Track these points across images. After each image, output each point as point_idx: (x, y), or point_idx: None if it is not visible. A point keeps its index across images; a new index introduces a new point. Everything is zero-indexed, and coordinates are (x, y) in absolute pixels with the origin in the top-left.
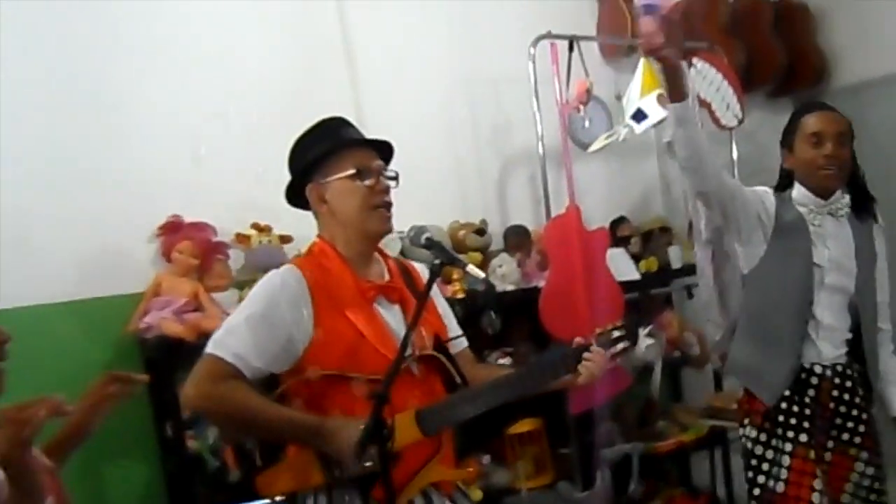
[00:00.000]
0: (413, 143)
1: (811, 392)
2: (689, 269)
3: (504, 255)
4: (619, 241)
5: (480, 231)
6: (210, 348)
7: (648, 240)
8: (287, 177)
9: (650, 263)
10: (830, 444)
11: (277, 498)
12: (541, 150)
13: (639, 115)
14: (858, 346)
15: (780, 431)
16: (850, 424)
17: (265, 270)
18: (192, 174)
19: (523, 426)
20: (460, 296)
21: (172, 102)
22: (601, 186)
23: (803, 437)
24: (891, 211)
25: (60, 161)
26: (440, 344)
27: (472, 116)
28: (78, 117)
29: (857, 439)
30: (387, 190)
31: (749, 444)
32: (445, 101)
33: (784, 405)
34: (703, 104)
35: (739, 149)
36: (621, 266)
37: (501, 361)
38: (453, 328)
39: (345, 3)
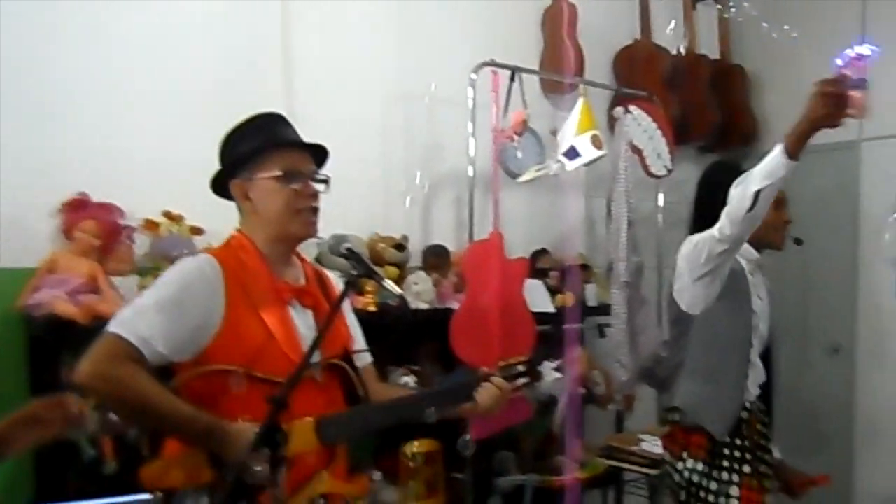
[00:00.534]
0: (342, 151)
1: (744, 427)
2: (604, 309)
3: (421, 273)
4: (538, 272)
5: (400, 246)
6: (113, 327)
7: (567, 275)
8: (206, 170)
9: (566, 298)
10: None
11: (157, 494)
12: (471, 174)
13: (571, 153)
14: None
15: (726, 464)
16: (766, 458)
17: (171, 260)
18: (105, 155)
19: (421, 447)
20: (372, 309)
21: (97, 82)
22: (527, 217)
23: (747, 469)
24: (810, 271)
25: None
26: (347, 355)
27: (405, 132)
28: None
29: (769, 472)
30: (314, 195)
31: (695, 477)
32: (381, 113)
33: (728, 439)
34: (636, 150)
35: (666, 197)
36: (537, 298)
37: (406, 379)
38: (359, 342)
39: (290, 4)
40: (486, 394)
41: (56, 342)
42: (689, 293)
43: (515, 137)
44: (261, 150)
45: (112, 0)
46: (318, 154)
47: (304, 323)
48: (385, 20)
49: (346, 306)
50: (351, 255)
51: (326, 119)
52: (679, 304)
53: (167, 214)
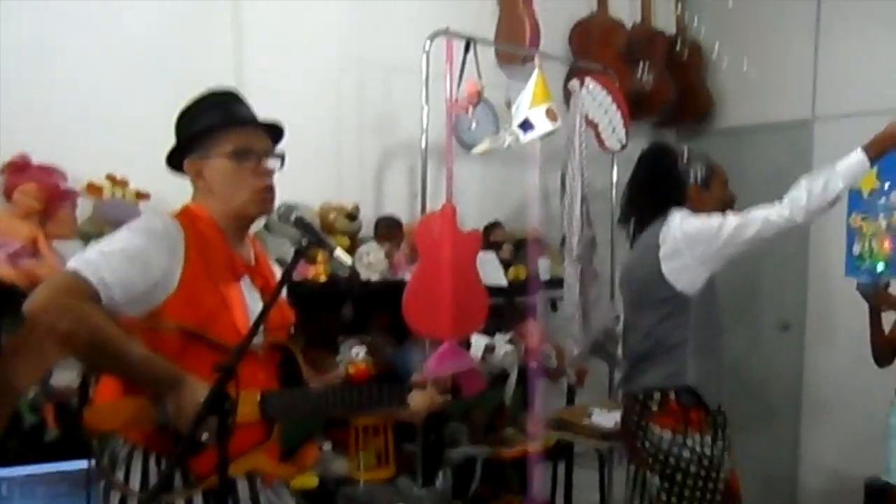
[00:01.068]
0: (293, 118)
1: None
2: (557, 282)
3: (373, 244)
4: (491, 245)
5: (352, 216)
6: (74, 264)
7: (520, 248)
8: (152, 134)
9: (519, 271)
10: None
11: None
12: (424, 144)
13: (526, 125)
14: None
15: (719, 433)
16: None
17: (115, 224)
18: (48, 116)
19: (370, 419)
20: (323, 278)
21: (41, 42)
22: (480, 189)
23: (729, 433)
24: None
25: None
26: (290, 337)
27: (358, 100)
28: None
29: None
30: (268, 173)
31: (707, 450)
32: (333, 80)
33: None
34: (590, 124)
35: (619, 172)
36: (490, 270)
37: (356, 349)
38: None
39: None
40: (419, 400)
41: None
42: (692, 273)
43: (470, 108)
44: (215, 128)
45: None
46: (274, 131)
47: (253, 301)
48: None
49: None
50: (301, 223)
51: (278, 85)
52: (672, 283)
53: (111, 178)
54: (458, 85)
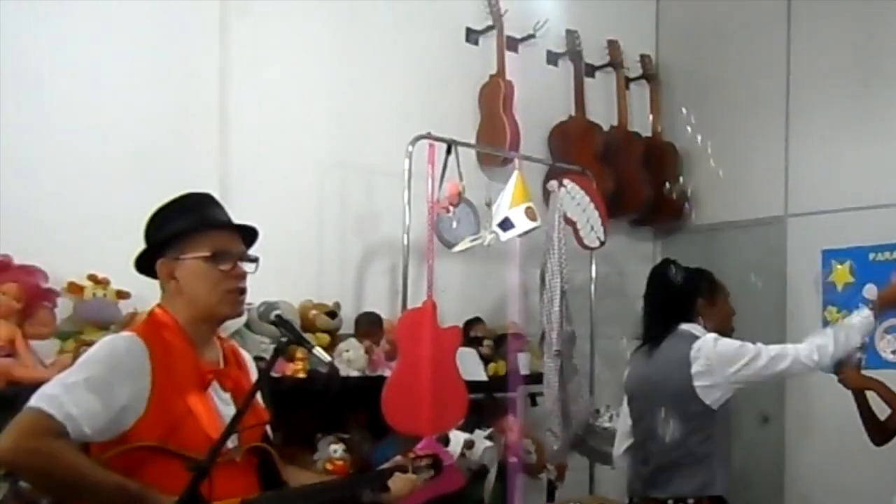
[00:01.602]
0: (276, 217)
1: None
2: (536, 378)
3: (352, 341)
4: (471, 340)
5: (332, 313)
6: (38, 402)
7: (500, 344)
8: (134, 233)
9: (499, 367)
10: None
11: None
12: (405, 242)
13: (506, 224)
14: None
15: None
16: None
17: (95, 324)
18: (30, 216)
19: None
20: (302, 375)
21: (22, 142)
22: (461, 286)
23: None
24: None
25: None
26: (266, 437)
27: (341, 200)
28: None
29: None
30: (242, 276)
31: None
32: (317, 180)
33: None
34: (569, 222)
35: (598, 269)
36: (470, 366)
37: (334, 447)
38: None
39: (228, 70)
40: (399, 483)
41: None
42: (721, 391)
43: (451, 208)
44: (191, 230)
45: (39, 57)
46: (248, 234)
47: (224, 406)
48: (322, 91)
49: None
50: (280, 322)
51: (261, 185)
52: (703, 399)
53: (92, 278)
54: (440, 185)
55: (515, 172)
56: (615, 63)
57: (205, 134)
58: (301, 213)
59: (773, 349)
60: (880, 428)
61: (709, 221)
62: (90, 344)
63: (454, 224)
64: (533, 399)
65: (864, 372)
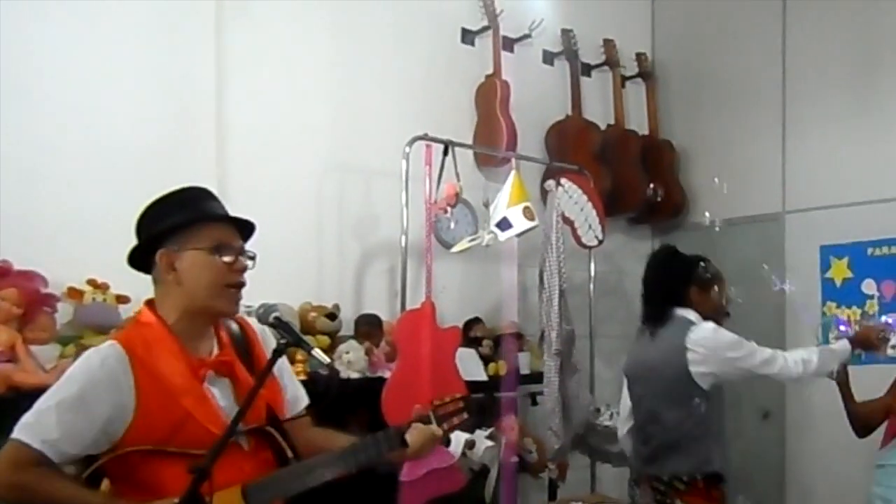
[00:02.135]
0: (274, 220)
1: None
2: (536, 377)
3: (352, 342)
4: (471, 341)
5: (332, 315)
6: (16, 433)
7: (500, 344)
8: (133, 238)
9: (499, 367)
10: None
11: None
12: (404, 244)
13: (504, 224)
14: None
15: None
16: None
17: (95, 328)
18: (30, 222)
19: None
20: (302, 377)
21: (21, 148)
22: (459, 286)
23: None
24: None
25: None
26: (273, 417)
27: (339, 202)
28: None
29: None
30: (243, 269)
31: None
32: (315, 182)
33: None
34: (567, 222)
35: (597, 267)
36: (470, 366)
37: None
38: (294, 391)
39: (225, 72)
40: (417, 435)
41: None
42: (715, 378)
43: (449, 209)
44: (193, 222)
45: (42, 67)
46: (245, 230)
47: (221, 393)
48: (320, 93)
49: (282, 366)
50: (279, 324)
51: (259, 188)
52: (699, 383)
53: (92, 283)
54: (438, 186)
55: (513, 172)
56: (611, 62)
57: (202, 137)
58: (299, 215)
59: (766, 352)
60: (861, 418)
61: (706, 219)
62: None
63: (452, 225)
64: (533, 398)
65: (866, 367)
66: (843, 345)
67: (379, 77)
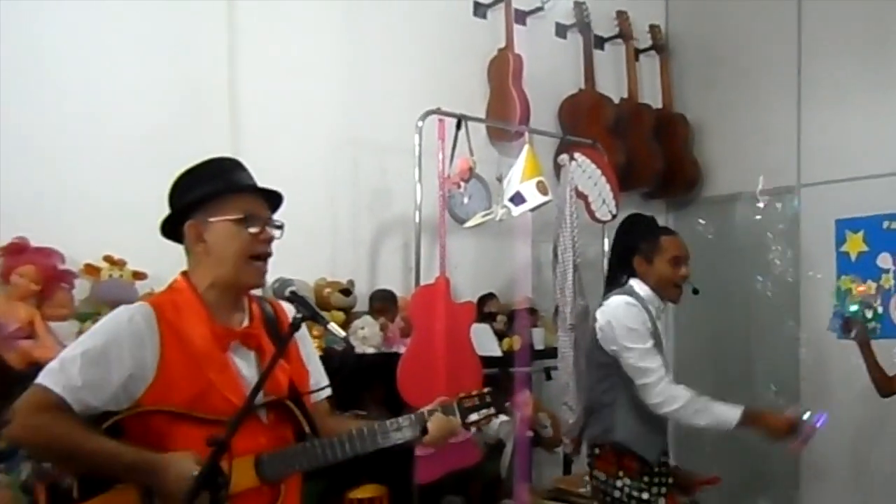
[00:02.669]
0: (289, 196)
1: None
2: (551, 352)
3: (367, 318)
4: (485, 316)
5: (346, 291)
6: (40, 378)
7: (514, 319)
8: (148, 213)
9: (513, 342)
10: None
11: None
12: (417, 220)
13: (517, 199)
14: None
15: (656, 480)
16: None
17: (112, 304)
18: (46, 199)
19: (366, 491)
20: (318, 353)
21: (37, 126)
22: (473, 261)
23: (671, 481)
24: (753, 316)
25: None
26: (294, 391)
27: (353, 178)
28: None
29: None
30: (270, 240)
31: (634, 492)
32: (328, 158)
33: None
34: (581, 196)
35: (611, 242)
36: (484, 341)
37: None
38: (318, 377)
39: (237, 48)
40: (436, 422)
41: None
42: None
43: (462, 184)
44: (222, 192)
45: (54, 42)
46: (273, 201)
47: (246, 365)
48: (333, 68)
49: (304, 341)
50: (295, 297)
51: (273, 164)
52: (606, 350)
53: (108, 259)
54: (451, 161)
55: (526, 147)
56: (624, 34)
57: (216, 114)
58: (313, 191)
59: (648, 361)
60: (886, 380)
61: (721, 192)
62: None
63: (466, 200)
64: (548, 373)
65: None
66: (732, 413)
67: (391, 51)
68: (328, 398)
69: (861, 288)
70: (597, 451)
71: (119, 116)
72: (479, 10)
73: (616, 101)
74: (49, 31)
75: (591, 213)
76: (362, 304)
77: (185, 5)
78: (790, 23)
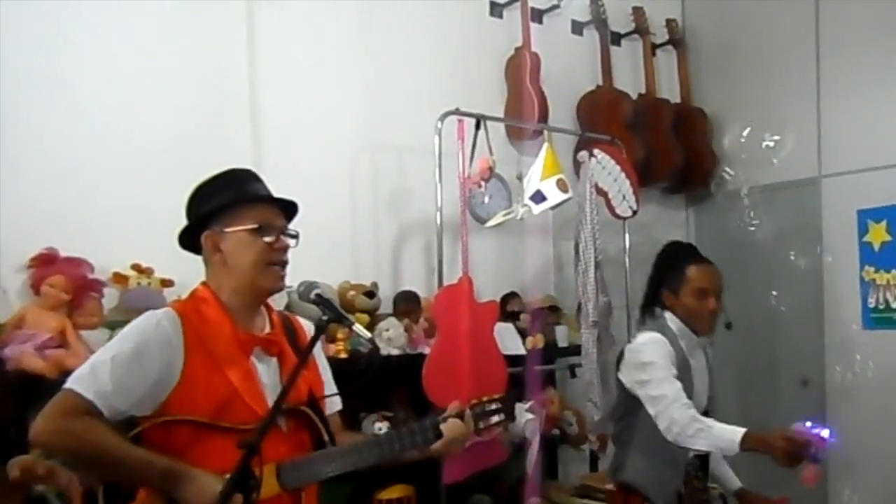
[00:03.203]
0: (310, 200)
1: (683, 494)
2: (575, 349)
3: (392, 320)
4: (508, 315)
5: (370, 293)
6: (69, 383)
7: (537, 317)
8: (175, 222)
9: (537, 340)
10: None
11: None
12: (439, 220)
13: (538, 197)
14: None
15: None
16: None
17: (140, 312)
18: (74, 209)
19: (394, 492)
20: (343, 355)
21: (64, 137)
22: (495, 261)
23: None
24: (777, 307)
25: None
26: (313, 400)
27: (373, 180)
28: None
29: None
30: (285, 249)
31: None
32: (349, 162)
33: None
34: (601, 193)
35: (632, 238)
36: (508, 340)
37: (378, 425)
38: (332, 390)
39: (256, 55)
40: (450, 427)
41: (24, 397)
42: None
43: (482, 183)
44: (236, 203)
45: (79, 53)
46: (288, 210)
47: (267, 372)
48: (350, 72)
49: (319, 353)
50: (320, 300)
51: (294, 169)
52: (627, 387)
53: (136, 267)
54: (471, 161)
55: (545, 145)
56: (641, 30)
57: (237, 121)
58: (334, 194)
59: (662, 389)
60: None
61: (738, 186)
62: None
63: (486, 199)
64: (572, 370)
65: None
66: (733, 435)
67: (409, 53)
68: (339, 413)
69: None
70: (610, 486)
71: (143, 127)
72: (495, 10)
73: (634, 96)
74: (73, 47)
75: (612, 210)
76: (386, 307)
77: (206, 16)
78: (808, 13)
